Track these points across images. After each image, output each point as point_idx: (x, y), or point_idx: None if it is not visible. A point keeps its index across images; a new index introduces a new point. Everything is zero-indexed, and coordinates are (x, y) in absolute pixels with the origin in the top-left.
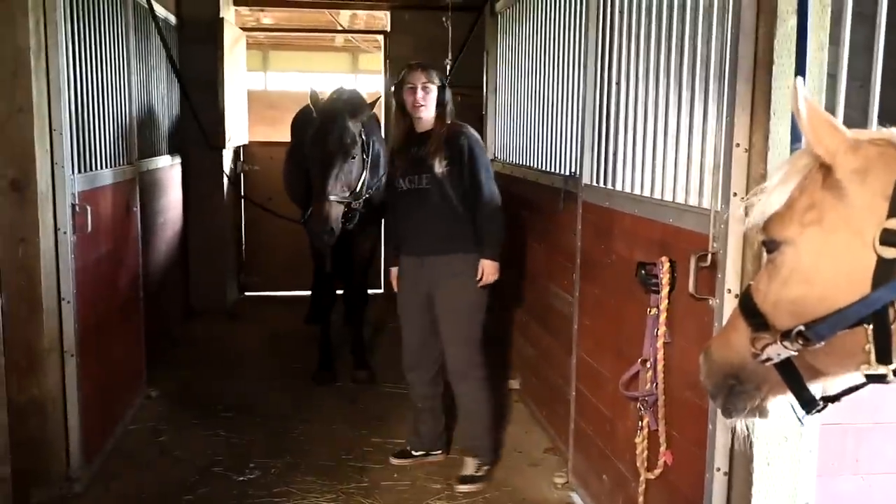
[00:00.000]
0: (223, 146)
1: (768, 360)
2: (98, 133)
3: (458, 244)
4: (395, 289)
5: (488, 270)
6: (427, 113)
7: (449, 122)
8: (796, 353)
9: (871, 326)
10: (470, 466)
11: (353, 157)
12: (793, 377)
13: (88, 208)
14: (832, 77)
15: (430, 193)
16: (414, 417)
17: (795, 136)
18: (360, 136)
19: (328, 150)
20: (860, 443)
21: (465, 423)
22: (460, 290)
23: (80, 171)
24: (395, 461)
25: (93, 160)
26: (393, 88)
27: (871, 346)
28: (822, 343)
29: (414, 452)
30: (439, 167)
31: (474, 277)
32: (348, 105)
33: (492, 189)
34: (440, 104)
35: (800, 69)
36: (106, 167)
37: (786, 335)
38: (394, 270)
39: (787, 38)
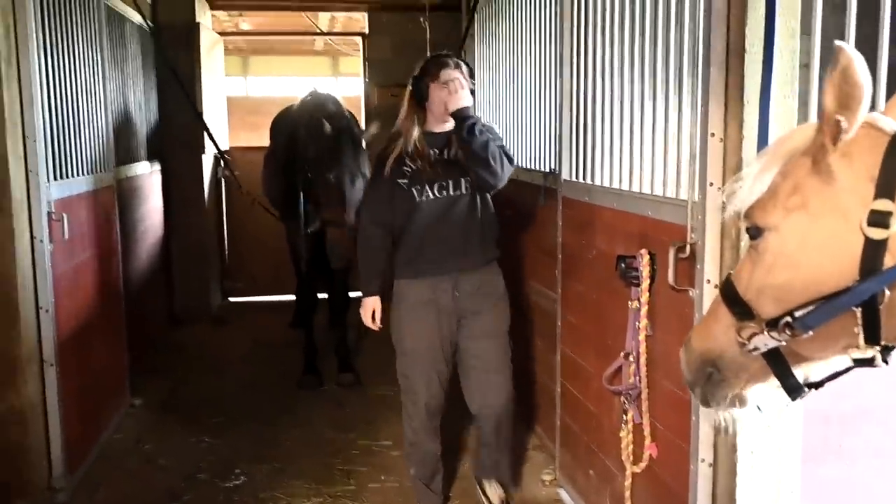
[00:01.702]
0: (202, 152)
1: (755, 349)
2: (73, 140)
3: (492, 251)
4: (373, 324)
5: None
6: None
7: None
8: (784, 343)
9: (859, 309)
10: (497, 491)
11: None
12: (780, 365)
13: (65, 216)
14: (806, 67)
15: (472, 199)
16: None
17: (763, 134)
18: None
19: (344, 170)
20: (844, 429)
21: (493, 454)
22: (502, 307)
23: (55, 179)
24: None
25: (69, 168)
26: (411, 82)
27: (859, 329)
28: (811, 333)
29: None
30: None
31: (504, 287)
32: (347, 119)
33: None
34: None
35: (768, 57)
36: (82, 174)
37: (772, 325)
38: (373, 302)
39: (759, 25)
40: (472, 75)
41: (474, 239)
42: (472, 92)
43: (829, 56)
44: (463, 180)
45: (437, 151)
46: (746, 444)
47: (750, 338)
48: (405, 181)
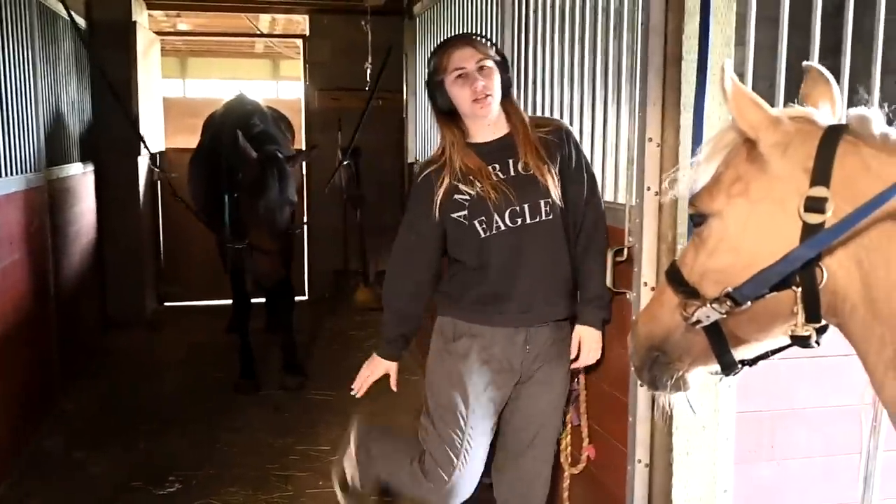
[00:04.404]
0: (138, 153)
1: (698, 322)
2: (2, 139)
3: (569, 302)
4: (359, 391)
5: (595, 346)
6: (496, 106)
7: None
8: (724, 316)
9: (800, 289)
10: None
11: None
12: (719, 340)
13: None
14: (740, 76)
15: (552, 227)
16: None
17: (698, 138)
18: None
19: (271, 201)
20: (775, 429)
21: None
22: (563, 375)
23: None
24: None
25: None
26: (426, 85)
27: (799, 308)
28: (749, 304)
29: None
30: (554, 184)
31: (569, 353)
32: (275, 139)
33: (602, 206)
34: (507, 87)
35: (702, 65)
36: (11, 174)
37: (715, 298)
38: (386, 367)
39: (695, 34)
40: (500, 50)
41: (561, 279)
42: (505, 67)
43: (765, 67)
44: (542, 202)
45: (498, 167)
46: (682, 445)
47: (693, 312)
48: (463, 214)
